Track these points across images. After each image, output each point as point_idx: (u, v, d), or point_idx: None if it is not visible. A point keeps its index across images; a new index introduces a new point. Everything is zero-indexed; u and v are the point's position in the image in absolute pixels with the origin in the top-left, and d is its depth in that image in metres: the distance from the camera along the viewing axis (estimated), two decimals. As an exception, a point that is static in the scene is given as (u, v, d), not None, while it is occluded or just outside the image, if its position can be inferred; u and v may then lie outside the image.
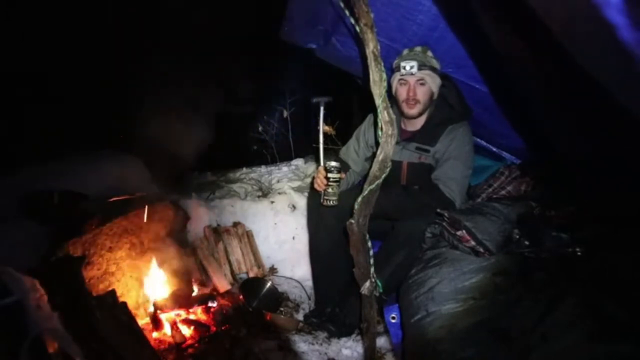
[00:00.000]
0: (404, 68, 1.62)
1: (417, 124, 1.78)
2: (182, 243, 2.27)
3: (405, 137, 1.79)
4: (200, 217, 2.44)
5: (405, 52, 1.67)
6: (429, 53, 1.65)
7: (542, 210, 1.50)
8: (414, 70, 1.61)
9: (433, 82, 1.67)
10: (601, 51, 0.55)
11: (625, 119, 0.65)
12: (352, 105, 4.14)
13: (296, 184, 2.81)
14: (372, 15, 1.06)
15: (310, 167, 3.12)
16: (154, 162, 2.52)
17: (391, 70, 1.74)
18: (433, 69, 1.64)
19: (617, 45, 0.48)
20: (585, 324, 0.93)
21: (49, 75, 3.61)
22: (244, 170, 3.16)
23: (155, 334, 1.72)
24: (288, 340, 1.76)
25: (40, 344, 1.04)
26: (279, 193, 2.66)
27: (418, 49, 1.65)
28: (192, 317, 1.85)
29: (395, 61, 1.70)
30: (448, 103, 1.75)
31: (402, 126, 1.84)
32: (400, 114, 1.78)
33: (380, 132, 1.14)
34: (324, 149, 1.82)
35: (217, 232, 2.39)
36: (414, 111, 1.70)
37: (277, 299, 2.14)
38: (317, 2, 1.76)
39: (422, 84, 1.66)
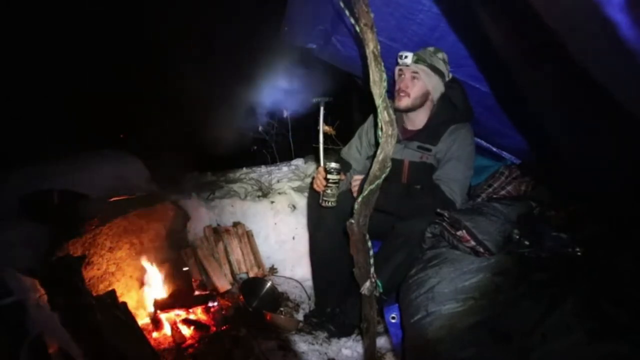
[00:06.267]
0: (400, 57, 1.64)
1: (420, 122, 1.78)
2: (182, 243, 2.28)
3: (407, 136, 1.79)
4: (200, 217, 2.44)
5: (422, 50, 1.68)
6: (439, 55, 1.65)
7: (542, 210, 1.50)
8: (408, 61, 1.62)
9: (429, 80, 1.66)
10: (602, 50, 0.55)
11: (625, 118, 0.65)
12: (352, 105, 4.13)
13: (296, 184, 2.81)
14: (372, 15, 1.06)
15: (310, 167, 3.12)
16: (154, 162, 2.53)
17: (393, 70, 1.74)
18: (433, 68, 1.64)
19: (617, 43, 0.48)
20: (585, 324, 0.93)
21: (49, 76, 3.61)
22: (244, 170, 3.16)
23: (155, 334, 1.72)
24: (288, 340, 1.76)
25: (40, 344, 1.04)
26: (279, 193, 2.66)
27: (430, 49, 1.65)
28: (192, 317, 1.85)
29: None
30: (452, 103, 1.74)
31: (405, 125, 1.83)
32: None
33: (380, 132, 1.14)
34: (324, 149, 1.82)
35: (217, 232, 2.39)
36: (401, 103, 1.70)
37: (277, 299, 2.14)
38: (317, 2, 1.76)
39: (415, 78, 1.66)
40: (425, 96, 1.70)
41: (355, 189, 1.67)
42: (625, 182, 1.07)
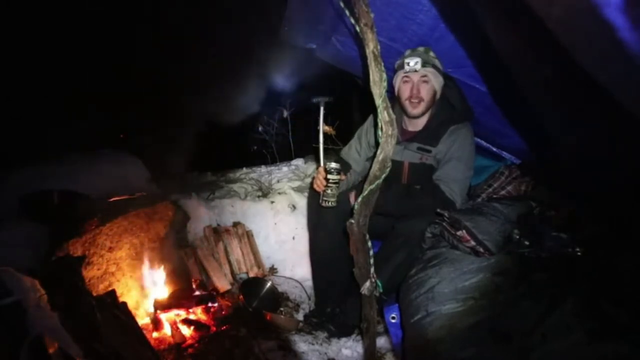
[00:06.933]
0: (408, 64, 1.61)
1: (419, 124, 1.78)
2: (182, 243, 2.28)
3: (407, 137, 1.79)
4: (200, 217, 2.44)
5: (408, 51, 1.67)
6: (432, 53, 1.65)
7: (542, 210, 1.50)
8: (418, 66, 1.60)
9: (436, 81, 1.66)
10: (602, 50, 0.55)
11: (625, 118, 0.65)
12: (352, 105, 4.13)
13: (296, 184, 2.81)
14: (372, 15, 1.06)
15: (310, 167, 3.11)
16: (154, 162, 2.53)
17: (392, 70, 1.73)
18: (436, 68, 1.64)
19: (617, 45, 0.48)
20: (585, 324, 0.93)
21: (49, 75, 3.61)
22: (244, 170, 3.16)
23: (155, 334, 1.72)
24: (288, 340, 1.76)
25: (40, 344, 1.04)
26: (279, 193, 2.66)
27: (421, 49, 1.64)
28: (192, 317, 1.85)
29: (398, 61, 1.69)
30: (450, 103, 1.74)
31: (404, 126, 1.83)
32: (403, 113, 1.77)
33: (380, 132, 1.14)
34: (324, 149, 1.81)
35: (217, 232, 2.39)
36: (417, 110, 1.69)
37: (277, 299, 2.14)
38: (317, 2, 1.76)
39: (425, 82, 1.65)
40: (434, 97, 1.70)
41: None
42: (625, 182, 1.07)
